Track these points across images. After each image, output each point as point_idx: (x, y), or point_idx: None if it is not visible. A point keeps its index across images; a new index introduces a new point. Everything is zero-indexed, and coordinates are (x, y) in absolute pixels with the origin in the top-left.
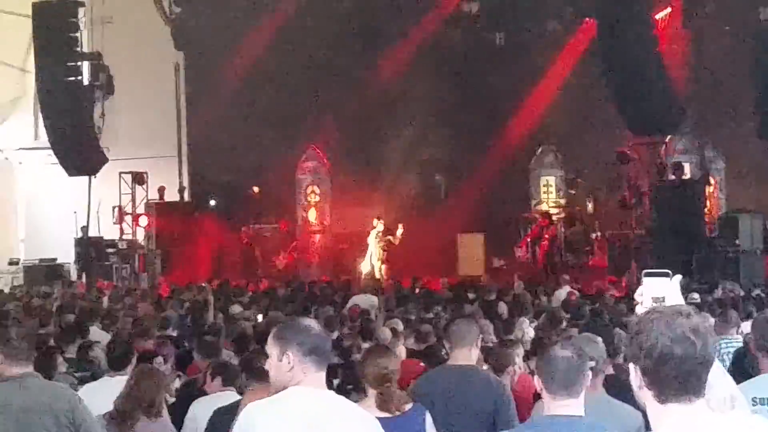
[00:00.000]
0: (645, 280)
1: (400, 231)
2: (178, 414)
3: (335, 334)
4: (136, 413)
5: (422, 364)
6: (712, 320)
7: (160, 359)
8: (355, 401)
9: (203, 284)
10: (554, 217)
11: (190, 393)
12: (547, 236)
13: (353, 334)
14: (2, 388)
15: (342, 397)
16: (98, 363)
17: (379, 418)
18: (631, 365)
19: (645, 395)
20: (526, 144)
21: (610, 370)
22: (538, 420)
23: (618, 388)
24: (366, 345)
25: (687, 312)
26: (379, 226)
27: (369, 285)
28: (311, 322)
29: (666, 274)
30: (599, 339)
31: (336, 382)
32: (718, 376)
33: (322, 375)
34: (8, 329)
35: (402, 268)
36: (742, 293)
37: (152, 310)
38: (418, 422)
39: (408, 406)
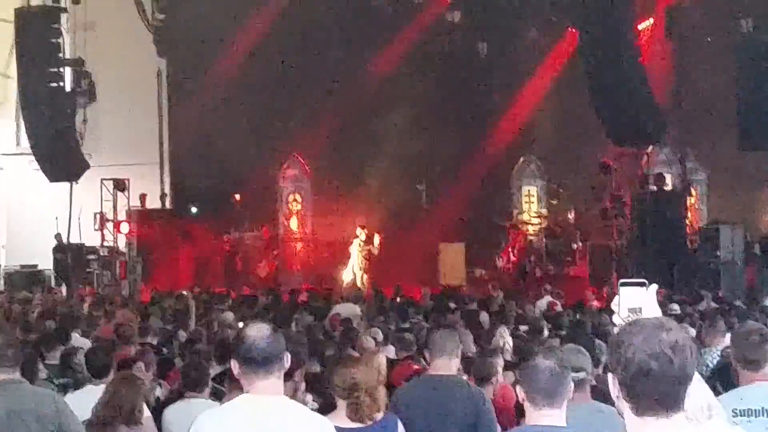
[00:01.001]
0: (621, 289)
1: (377, 240)
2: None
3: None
4: (115, 421)
5: (415, 366)
6: (693, 332)
7: (140, 365)
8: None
9: (184, 292)
10: (533, 227)
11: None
12: (516, 247)
13: (334, 343)
14: None
15: (294, 402)
16: (81, 370)
17: (351, 429)
18: (610, 375)
19: (623, 406)
20: (508, 153)
21: (593, 381)
22: (519, 430)
23: (601, 398)
24: (350, 353)
25: (668, 327)
26: (362, 235)
27: (350, 294)
28: (256, 331)
29: (642, 284)
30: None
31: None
32: (695, 384)
33: (272, 381)
34: None
35: (383, 278)
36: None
37: (133, 317)
38: (390, 431)
39: (379, 416)
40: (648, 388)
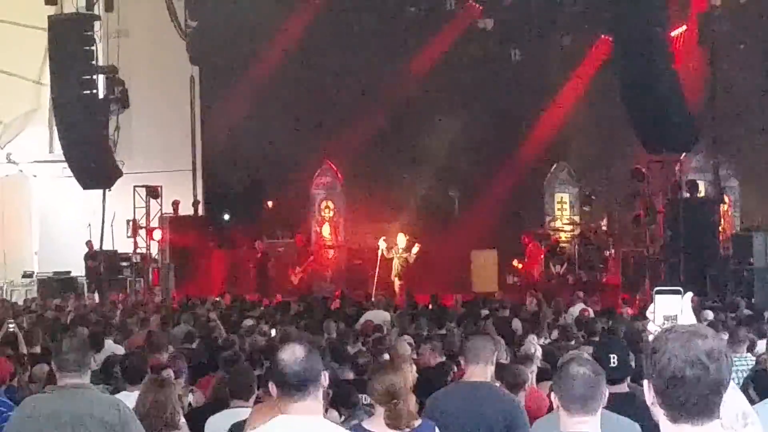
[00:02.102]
0: (657, 297)
1: (416, 249)
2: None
3: (352, 350)
4: (154, 425)
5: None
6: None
7: (169, 372)
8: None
9: (208, 301)
10: (565, 234)
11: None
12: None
13: (368, 351)
14: (54, 398)
15: (330, 423)
16: (119, 376)
17: None
18: (645, 381)
19: (657, 412)
20: (541, 160)
21: (625, 388)
22: None
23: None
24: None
25: (704, 334)
26: (401, 242)
27: (381, 301)
28: (289, 354)
29: (677, 292)
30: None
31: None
32: (730, 393)
33: (309, 402)
34: (61, 341)
35: (415, 284)
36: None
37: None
38: None
39: (417, 423)
40: (683, 395)
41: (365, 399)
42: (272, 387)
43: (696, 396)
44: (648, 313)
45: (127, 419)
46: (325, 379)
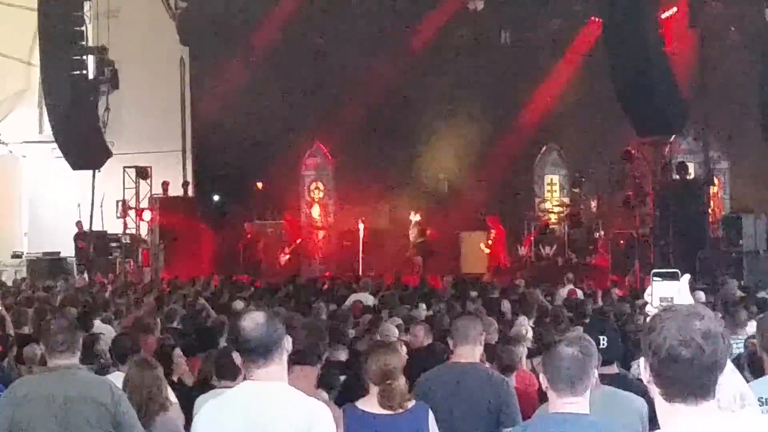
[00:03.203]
0: (654, 280)
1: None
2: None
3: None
4: (143, 406)
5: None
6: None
7: (179, 351)
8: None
9: (197, 282)
10: (555, 216)
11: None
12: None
13: (364, 332)
14: (46, 380)
15: (292, 388)
16: (103, 356)
17: (382, 415)
18: (641, 359)
19: (653, 390)
20: (531, 142)
21: (615, 369)
22: (543, 417)
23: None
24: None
25: (702, 314)
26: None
27: (367, 283)
28: (250, 321)
29: (674, 274)
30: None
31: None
32: (728, 374)
33: (273, 368)
34: (49, 322)
35: (405, 266)
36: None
37: (155, 304)
38: (421, 420)
39: (410, 404)
40: (678, 374)
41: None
42: (236, 356)
43: (691, 376)
44: (646, 296)
45: (119, 399)
46: (288, 343)
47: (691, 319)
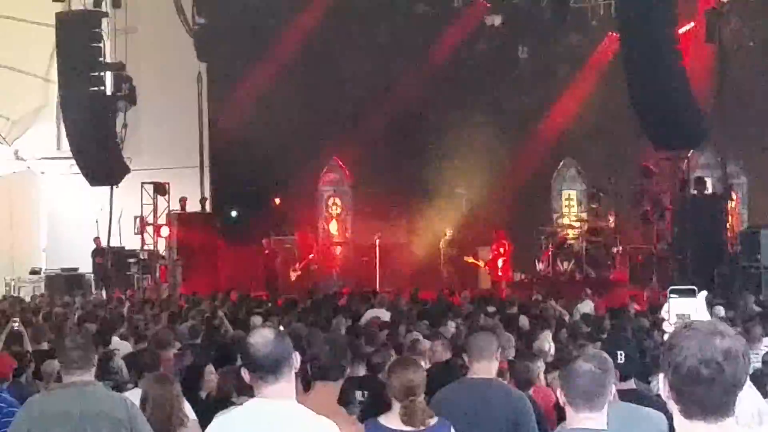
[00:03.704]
0: (671, 296)
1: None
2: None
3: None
4: (161, 424)
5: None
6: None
7: (210, 368)
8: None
9: (216, 298)
10: (573, 231)
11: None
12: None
13: (382, 348)
14: (62, 396)
15: (301, 406)
16: (120, 372)
17: None
18: (661, 376)
19: (672, 407)
20: (549, 157)
21: (632, 385)
22: None
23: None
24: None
25: (722, 332)
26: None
27: (384, 299)
28: (259, 337)
29: (692, 291)
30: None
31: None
32: (746, 390)
33: (281, 385)
34: (64, 338)
35: (422, 281)
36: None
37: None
38: None
39: (432, 421)
40: (697, 393)
41: (363, 395)
42: (245, 373)
43: (711, 395)
44: (663, 313)
45: (135, 415)
46: (296, 361)
47: (712, 337)
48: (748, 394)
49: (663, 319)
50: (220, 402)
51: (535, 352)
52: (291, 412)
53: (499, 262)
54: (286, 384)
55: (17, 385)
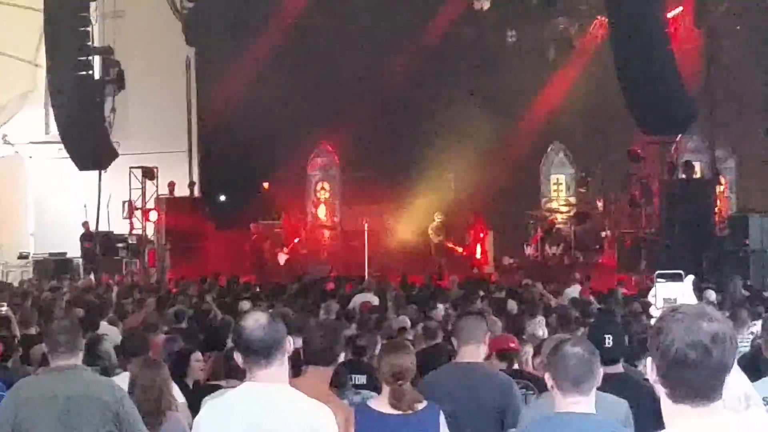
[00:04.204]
0: (658, 281)
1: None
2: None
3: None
4: (151, 408)
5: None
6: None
7: (198, 354)
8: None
9: (206, 282)
10: (561, 216)
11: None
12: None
13: (369, 331)
14: (48, 380)
15: (294, 390)
16: (108, 357)
17: (393, 416)
18: (648, 359)
19: (659, 390)
20: (537, 142)
21: (620, 369)
22: (548, 417)
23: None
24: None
25: (710, 316)
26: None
27: (372, 283)
28: (252, 321)
29: (678, 276)
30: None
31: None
32: (733, 374)
33: (274, 369)
34: (51, 322)
35: (411, 266)
36: (746, 293)
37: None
38: (432, 422)
39: (421, 405)
40: (684, 376)
41: (357, 380)
42: (238, 356)
43: (698, 379)
44: (650, 297)
45: (122, 398)
46: (290, 345)
47: (699, 320)
48: (735, 378)
49: (650, 304)
50: (208, 387)
51: (526, 338)
52: (284, 395)
53: (477, 247)
54: (279, 368)
55: (4, 369)
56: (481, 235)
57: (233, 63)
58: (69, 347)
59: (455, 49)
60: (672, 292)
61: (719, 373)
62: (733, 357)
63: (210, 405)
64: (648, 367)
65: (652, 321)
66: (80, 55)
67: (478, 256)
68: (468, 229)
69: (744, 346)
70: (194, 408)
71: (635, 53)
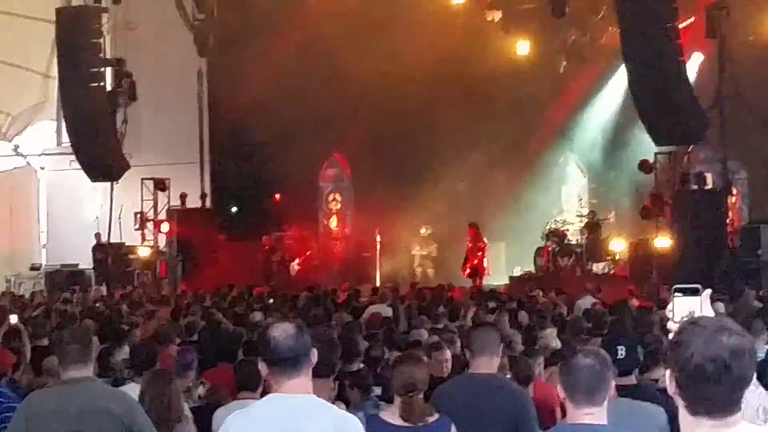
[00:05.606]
0: (675, 295)
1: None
2: (204, 420)
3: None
4: (160, 419)
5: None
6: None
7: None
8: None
9: (214, 294)
10: (573, 227)
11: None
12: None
13: (379, 343)
14: (59, 393)
15: (323, 401)
16: (118, 368)
17: (403, 428)
18: (667, 371)
19: (678, 402)
20: (550, 152)
21: (633, 380)
22: (560, 429)
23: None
24: (394, 354)
25: (730, 330)
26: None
27: (386, 294)
28: (280, 332)
29: (696, 290)
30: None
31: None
32: (751, 388)
33: (300, 380)
34: (62, 333)
35: (423, 277)
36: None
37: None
38: None
39: (432, 419)
40: (703, 390)
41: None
42: (263, 367)
43: (717, 392)
44: (667, 311)
45: (134, 410)
46: (314, 355)
47: (719, 334)
48: (753, 392)
49: (667, 318)
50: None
51: (539, 349)
52: (314, 405)
53: (475, 256)
54: (305, 378)
55: (15, 381)
56: (479, 244)
57: (245, 74)
58: (81, 359)
59: (467, 61)
60: (690, 306)
61: (738, 386)
62: (752, 371)
63: (236, 416)
64: (667, 379)
65: (670, 335)
66: (92, 66)
67: (470, 267)
68: (469, 240)
69: (758, 357)
70: (205, 420)
71: (647, 64)
